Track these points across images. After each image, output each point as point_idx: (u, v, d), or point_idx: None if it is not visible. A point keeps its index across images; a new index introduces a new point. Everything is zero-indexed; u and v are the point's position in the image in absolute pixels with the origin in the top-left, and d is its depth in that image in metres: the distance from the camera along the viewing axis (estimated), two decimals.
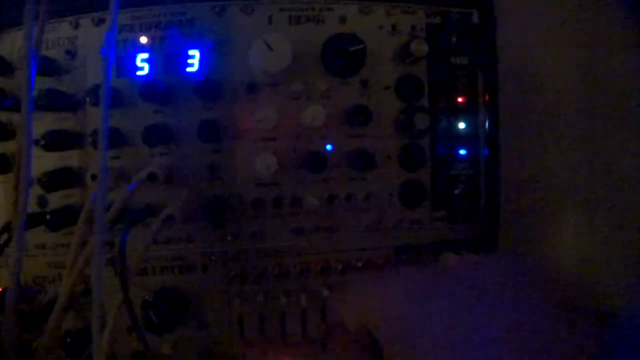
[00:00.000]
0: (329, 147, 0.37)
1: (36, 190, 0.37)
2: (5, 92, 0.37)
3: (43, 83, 0.36)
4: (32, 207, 0.38)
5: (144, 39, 0.36)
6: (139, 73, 0.36)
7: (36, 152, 0.37)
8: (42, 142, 0.36)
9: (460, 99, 0.41)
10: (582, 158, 0.45)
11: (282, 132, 0.36)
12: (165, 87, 0.35)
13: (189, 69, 0.36)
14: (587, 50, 0.45)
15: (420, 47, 0.36)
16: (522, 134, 0.45)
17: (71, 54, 0.37)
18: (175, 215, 0.34)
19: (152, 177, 0.34)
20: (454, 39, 0.40)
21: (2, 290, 0.38)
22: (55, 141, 0.36)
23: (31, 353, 0.36)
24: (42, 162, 0.37)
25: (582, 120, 0.45)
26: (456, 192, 0.40)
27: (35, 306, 0.39)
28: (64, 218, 0.36)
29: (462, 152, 0.41)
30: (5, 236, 0.36)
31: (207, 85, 0.35)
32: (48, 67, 0.37)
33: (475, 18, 0.40)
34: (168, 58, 0.36)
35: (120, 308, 0.32)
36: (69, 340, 0.37)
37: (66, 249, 0.36)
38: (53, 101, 0.36)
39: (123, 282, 0.32)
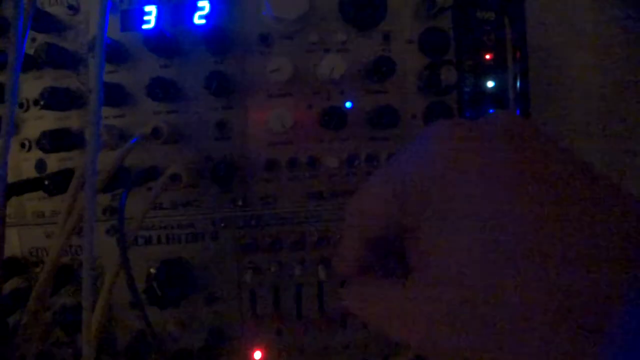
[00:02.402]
0: (348, 104, 0.34)
1: (35, 154, 0.35)
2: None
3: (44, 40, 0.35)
4: (31, 172, 0.35)
5: None
6: (145, 27, 0.34)
7: (35, 112, 0.35)
8: (42, 102, 0.34)
9: (488, 56, 0.38)
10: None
11: (297, 87, 0.34)
12: (173, 39, 0.33)
13: (197, 21, 0.34)
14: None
15: None
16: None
17: (74, 9, 0.35)
18: (181, 175, 0.31)
19: (156, 132, 0.31)
20: None
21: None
22: (55, 100, 0.34)
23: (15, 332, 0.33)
24: (41, 122, 0.35)
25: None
26: None
27: (30, 280, 0.36)
28: (63, 182, 0.33)
29: (491, 112, 0.37)
30: None
31: (217, 37, 0.32)
32: (49, 24, 0.35)
33: None
34: (176, 9, 0.34)
35: (115, 279, 0.29)
36: (66, 316, 0.34)
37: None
38: (54, 57, 0.34)
39: (122, 250, 0.29)
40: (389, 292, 0.17)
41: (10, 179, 0.35)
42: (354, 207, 0.19)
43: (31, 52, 0.34)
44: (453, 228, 0.15)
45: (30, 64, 0.35)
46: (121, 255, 0.28)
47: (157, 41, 0.32)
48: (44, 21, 0.35)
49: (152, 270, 0.34)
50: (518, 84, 0.38)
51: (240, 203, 0.34)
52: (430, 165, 0.16)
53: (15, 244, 0.36)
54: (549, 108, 0.46)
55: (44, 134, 0.33)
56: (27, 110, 0.35)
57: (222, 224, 0.34)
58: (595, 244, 0.13)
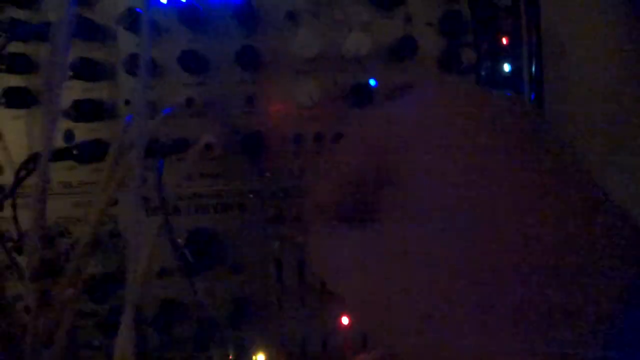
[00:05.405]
0: (372, 81, 0.35)
1: (63, 124, 0.35)
2: (24, 22, 0.35)
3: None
4: (59, 143, 0.35)
5: None
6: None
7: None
8: (71, 72, 0.34)
9: (504, 40, 0.39)
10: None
11: (323, 64, 0.35)
12: (204, 12, 0.33)
13: None
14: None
15: None
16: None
17: None
18: (214, 144, 0.32)
19: (190, 102, 0.32)
20: None
21: (22, 234, 0.36)
22: (85, 70, 0.34)
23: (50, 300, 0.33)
24: (70, 92, 0.35)
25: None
26: None
27: (58, 250, 0.36)
28: (94, 150, 0.34)
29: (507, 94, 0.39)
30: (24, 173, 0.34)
31: (247, 12, 0.33)
32: None
33: None
34: None
35: (153, 249, 0.30)
36: (94, 286, 0.35)
37: (94, 188, 0.34)
38: (82, 29, 0.34)
39: (165, 217, 0.30)
40: (348, 239, 0.17)
41: (37, 149, 0.35)
42: (331, 156, 0.19)
43: None
44: (416, 196, 0.15)
45: None
46: (165, 224, 0.29)
47: (190, 14, 0.33)
48: None
49: (180, 241, 0.34)
50: (533, 68, 0.39)
51: (268, 174, 0.35)
52: (408, 127, 0.16)
53: None
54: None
55: (75, 103, 0.33)
56: None
57: (250, 195, 0.35)
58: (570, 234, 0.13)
